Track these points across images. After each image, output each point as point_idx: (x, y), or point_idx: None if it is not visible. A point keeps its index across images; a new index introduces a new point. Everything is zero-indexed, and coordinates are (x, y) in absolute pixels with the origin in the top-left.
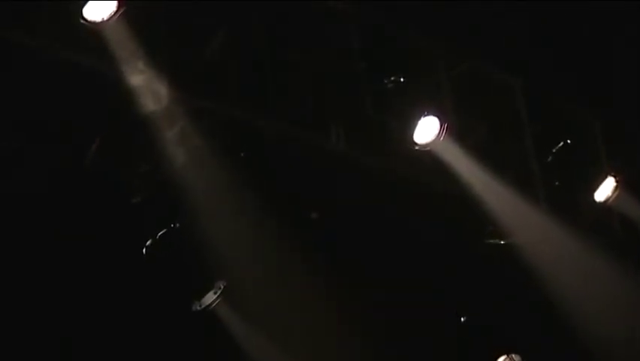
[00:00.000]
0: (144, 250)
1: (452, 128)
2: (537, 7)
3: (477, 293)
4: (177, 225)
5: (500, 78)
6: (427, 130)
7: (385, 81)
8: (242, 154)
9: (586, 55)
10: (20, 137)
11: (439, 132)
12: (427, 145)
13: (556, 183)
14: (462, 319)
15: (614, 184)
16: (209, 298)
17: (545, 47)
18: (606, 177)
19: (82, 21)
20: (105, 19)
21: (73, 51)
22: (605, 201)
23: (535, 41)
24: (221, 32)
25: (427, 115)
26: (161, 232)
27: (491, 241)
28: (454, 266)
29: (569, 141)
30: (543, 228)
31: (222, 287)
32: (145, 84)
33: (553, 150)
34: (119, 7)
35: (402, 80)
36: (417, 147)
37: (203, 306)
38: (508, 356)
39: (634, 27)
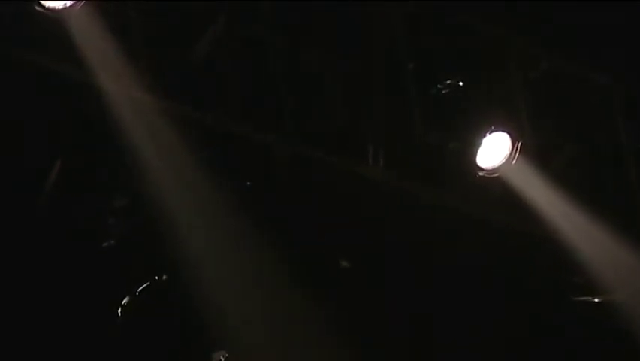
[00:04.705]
0: (120, 311)
1: (528, 147)
2: None
3: None
4: (163, 277)
5: (594, 83)
6: (494, 151)
7: (439, 86)
8: (248, 183)
9: None
10: None
11: (511, 153)
12: (494, 170)
13: None
14: None
15: None
16: None
17: None
18: None
19: (38, 8)
20: (68, 5)
21: (28, 47)
22: None
23: None
24: (221, 20)
25: (495, 131)
26: (141, 287)
27: (581, 298)
28: (531, 331)
29: None
30: None
31: (223, 360)
32: (119, 89)
33: None
34: None
35: (460, 84)
36: (481, 173)
37: None
38: None
39: None
